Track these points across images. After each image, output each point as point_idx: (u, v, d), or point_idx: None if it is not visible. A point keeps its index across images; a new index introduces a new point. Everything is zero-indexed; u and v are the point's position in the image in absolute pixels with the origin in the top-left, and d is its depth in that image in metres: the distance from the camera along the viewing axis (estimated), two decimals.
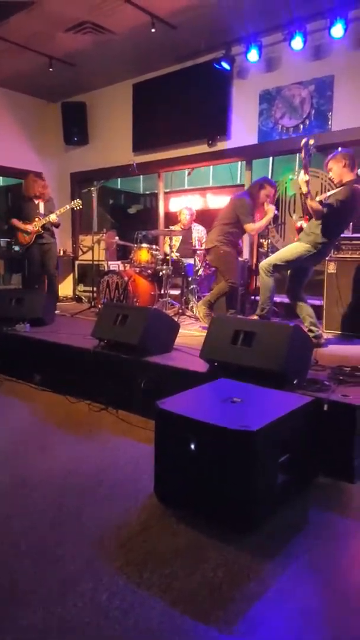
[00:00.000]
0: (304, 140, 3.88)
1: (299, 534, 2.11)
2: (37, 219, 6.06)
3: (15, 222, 6.12)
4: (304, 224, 4.29)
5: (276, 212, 4.89)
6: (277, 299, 6.33)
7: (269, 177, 10.72)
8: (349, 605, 1.68)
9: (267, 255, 6.01)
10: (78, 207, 6.25)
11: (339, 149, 4.25)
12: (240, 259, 6.05)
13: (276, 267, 4.25)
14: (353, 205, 3.99)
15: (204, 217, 7.32)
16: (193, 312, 5.80)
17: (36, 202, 6.15)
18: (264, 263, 4.31)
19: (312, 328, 4.26)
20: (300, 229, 4.30)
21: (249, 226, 4.93)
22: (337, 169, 4.07)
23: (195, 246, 6.27)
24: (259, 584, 1.76)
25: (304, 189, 3.91)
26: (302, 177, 3.90)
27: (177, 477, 2.32)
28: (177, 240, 6.47)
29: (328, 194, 4.15)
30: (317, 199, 4.06)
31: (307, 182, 3.89)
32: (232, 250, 5.10)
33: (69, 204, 6.29)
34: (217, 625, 1.57)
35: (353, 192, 3.94)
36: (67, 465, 2.73)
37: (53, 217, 6.05)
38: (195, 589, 1.74)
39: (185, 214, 6.58)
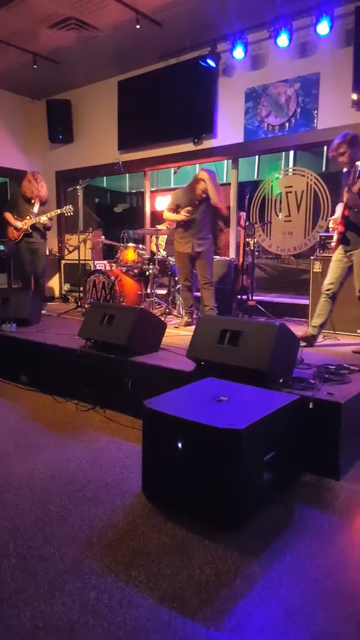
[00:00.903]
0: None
1: (285, 532, 2.14)
2: (28, 218, 6.06)
3: (8, 215, 6.13)
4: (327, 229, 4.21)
5: (187, 217, 5.02)
6: (267, 298, 6.40)
7: (255, 176, 10.75)
8: (332, 602, 1.71)
9: (253, 255, 6.05)
10: (69, 213, 6.25)
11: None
12: (226, 258, 6.09)
13: None
14: None
15: None
16: (180, 312, 5.81)
17: (32, 201, 6.15)
18: None
19: (319, 329, 4.28)
20: (342, 235, 4.03)
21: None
22: (352, 152, 3.93)
23: None
24: (245, 582, 1.79)
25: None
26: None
27: (165, 476, 2.33)
28: (163, 240, 6.48)
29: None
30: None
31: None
32: (176, 245, 5.26)
33: (60, 208, 6.30)
34: (204, 622, 1.59)
35: None
36: (55, 465, 2.74)
37: (43, 219, 6.06)
38: (182, 586, 1.76)
39: None
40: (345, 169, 4.07)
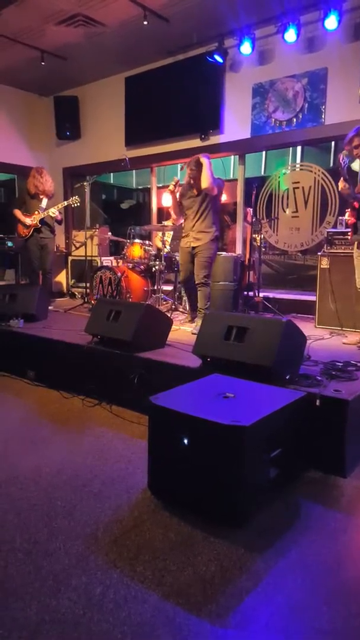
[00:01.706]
0: (341, 155, 3.98)
1: (290, 529, 2.13)
2: (36, 213, 6.07)
3: (17, 213, 6.16)
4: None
5: (171, 190, 5.03)
6: (273, 294, 6.37)
7: (262, 171, 10.68)
8: (337, 599, 1.71)
9: (260, 251, 6.02)
10: (76, 204, 6.24)
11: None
12: (233, 254, 6.06)
13: None
14: None
15: None
16: (186, 308, 5.81)
17: (40, 196, 6.15)
18: None
19: None
20: (354, 226, 4.07)
21: None
22: None
23: None
24: (250, 578, 1.79)
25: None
26: (342, 183, 3.94)
27: (170, 472, 2.33)
28: (169, 236, 6.47)
29: None
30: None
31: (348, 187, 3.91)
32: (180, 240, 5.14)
33: (67, 200, 6.29)
34: (209, 618, 1.59)
35: None
36: (60, 460, 2.75)
37: (53, 211, 6.06)
38: (187, 582, 1.76)
39: None
40: None
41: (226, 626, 1.56)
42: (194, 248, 4.88)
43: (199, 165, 4.78)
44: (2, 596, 1.68)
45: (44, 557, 1.89)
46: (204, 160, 4.78)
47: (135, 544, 1.99)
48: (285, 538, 2.05)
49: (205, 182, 4.73)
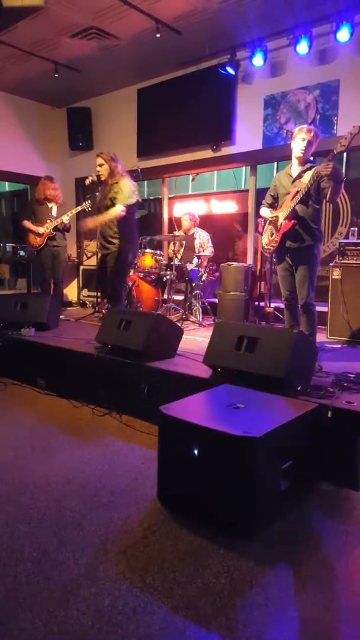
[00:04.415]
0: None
1: (301, 541, 2.11)
2: (48, 221, 6.07)
3: (27, 223, 6.14)
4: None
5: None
6: (282, 305, 6.33)
7: None
8: (351, 615, 1.68)
9: (271, 261, 6.00)
10: (88, 209, 6.26)
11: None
12: (244, 264, 6.05)
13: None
14: None
15: (208, 223, 7.33)
16: (197, 318, 5.81)
17: (49, 205, 6.16)
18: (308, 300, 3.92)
19: None
20: (293, 227, 3.89)
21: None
22: (314, 143, 3.99)
23: (198, 251, 6.28)
24: (260, 592, 1.76)
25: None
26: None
27: (180, 482, 2.32)
28: (180, 246, 6.49)
29: (309, 177, 3.88)
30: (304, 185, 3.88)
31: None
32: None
33: (80, 205, 6.29)
34: (218, 631, 1.57)
35: None
36: (70, 470, 2.74)
37: (65, 219, 6.06)
38: (197, 595, 1.74)
39: (186, 219, 6.60)
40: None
41: None
42: (103, 256, 4.76)
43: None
44: (11, 606, 1.67)
45: (53, 567, 1.88)
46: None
47: (145, 555, 1.97)
48: (297, 551, 2.02)
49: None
